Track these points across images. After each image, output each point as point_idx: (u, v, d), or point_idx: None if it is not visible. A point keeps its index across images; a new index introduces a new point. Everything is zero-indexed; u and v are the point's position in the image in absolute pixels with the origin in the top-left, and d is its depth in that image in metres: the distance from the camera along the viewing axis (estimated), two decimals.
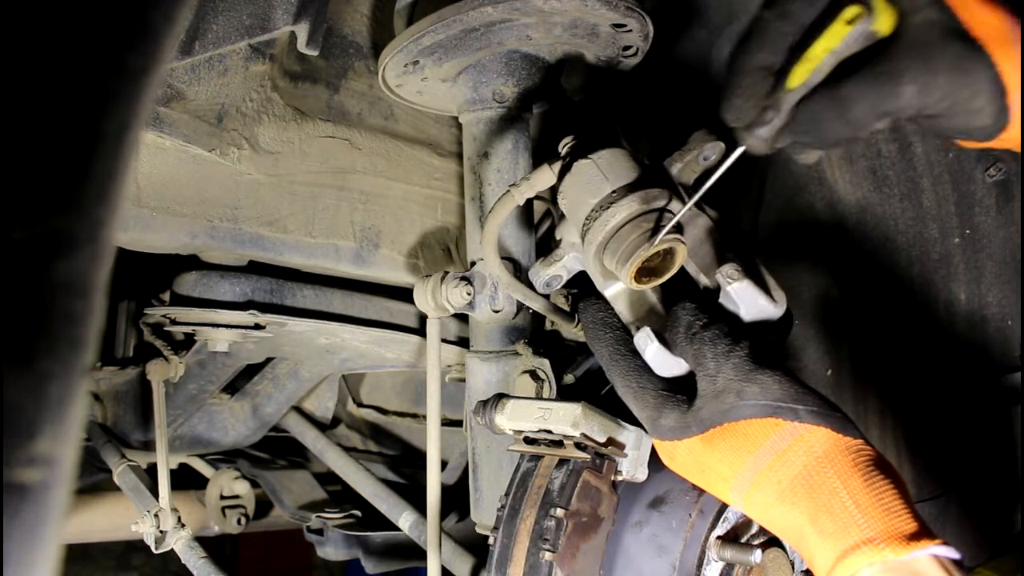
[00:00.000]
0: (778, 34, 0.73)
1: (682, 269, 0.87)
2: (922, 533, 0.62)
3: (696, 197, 0.83)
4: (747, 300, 0.81)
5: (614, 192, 0.86)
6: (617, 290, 0.93)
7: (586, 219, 0.87)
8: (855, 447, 0.69)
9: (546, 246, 1.34)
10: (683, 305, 0.81)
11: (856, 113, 0.69)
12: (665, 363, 0.82)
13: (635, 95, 1.35)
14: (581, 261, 0.97)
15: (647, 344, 0.83)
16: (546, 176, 0.93)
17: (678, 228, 0.85)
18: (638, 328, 0.85)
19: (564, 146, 0.94)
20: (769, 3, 0.74)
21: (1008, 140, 0.71)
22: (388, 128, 1.35)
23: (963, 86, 0.65)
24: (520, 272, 1.12)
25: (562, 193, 0.92)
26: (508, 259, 1.12)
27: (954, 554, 0.62)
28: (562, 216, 0.96)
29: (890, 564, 0.61)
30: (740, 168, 0.80)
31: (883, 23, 0.68)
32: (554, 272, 0.99)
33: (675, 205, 0.85)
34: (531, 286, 1.02)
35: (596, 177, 0.88)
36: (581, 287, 1.03)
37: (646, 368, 0.83)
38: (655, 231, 0.83)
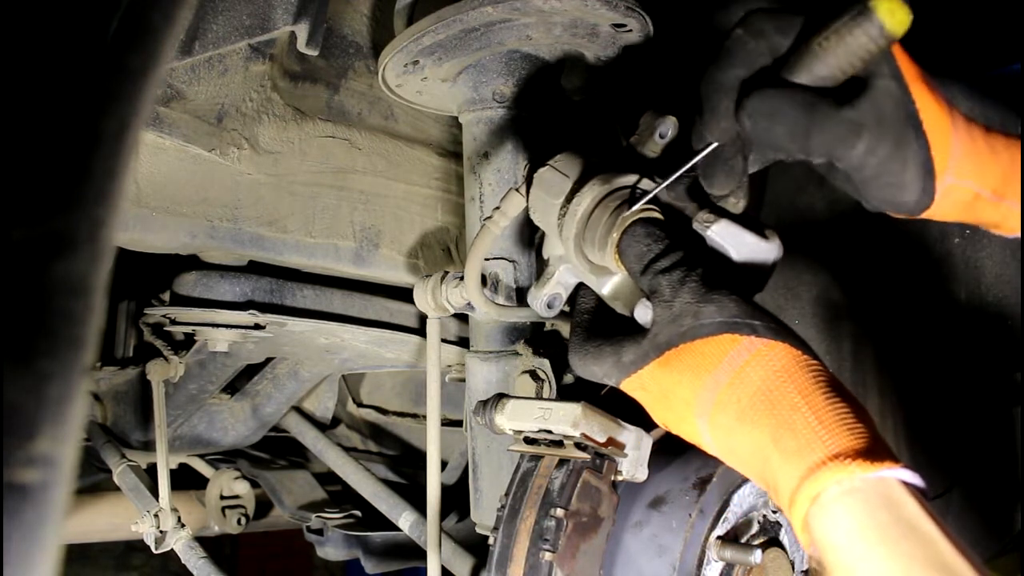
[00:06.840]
0: (754, 53, 0.71)
1: None
2: (887, 455, 0.59)
3: (684, 170, 0.79)
4: (731, 240, 0.78)
5: (575, 184, 0.86)
6: (614, 284, 0.89)
7: (558, 220, 0.87)
8: (814, 365, 0.67)
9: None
10: (632, 231, 0.80)
11: (814, 136, 0.67)
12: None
13: (636, 95, 1.35)
14: (573, 271, 0.94)
15: (647, 311, 0.78)
16: (516, 200, 0.93)
17: (651, 201, 0.82)
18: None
19: (524, 169, 0.95)
20: (741, 22, 0.71)
21: (933, 215, 0.74)
22: (388, 128, 1.35)
23: (898, 160, 0.69)
24: (520, 272, 1.13)
25: (532, 208, 0.91)
26: (509, 260, 1.12)
27: (919, 481, 0.59)
28: (542, 235, 0.95)
29: (858, 482, 0.57)
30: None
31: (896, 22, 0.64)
32: (550, 291, 0.95)
33: (645, 182, 0.84)
34: (525, 293, 1.01)
35: (557, 179, 0.87)
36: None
37: (593, 330, 0.82)
38: (629, 206, 0.81)
